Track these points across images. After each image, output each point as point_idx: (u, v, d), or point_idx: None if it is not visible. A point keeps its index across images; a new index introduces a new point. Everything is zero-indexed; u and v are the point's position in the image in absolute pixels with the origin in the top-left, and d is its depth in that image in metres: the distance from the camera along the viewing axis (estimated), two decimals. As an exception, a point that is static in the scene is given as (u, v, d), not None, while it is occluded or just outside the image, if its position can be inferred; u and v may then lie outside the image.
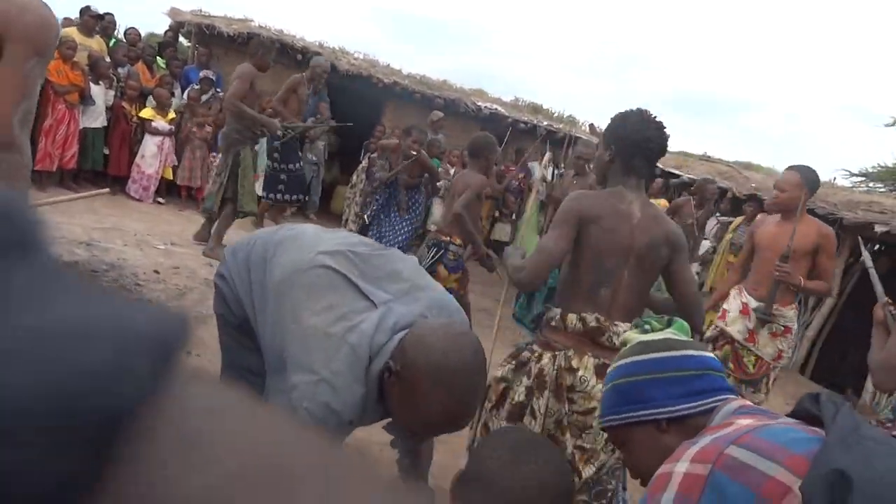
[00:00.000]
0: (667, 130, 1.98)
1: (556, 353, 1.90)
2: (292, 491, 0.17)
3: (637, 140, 1.93)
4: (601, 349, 1.85)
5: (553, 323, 1.93)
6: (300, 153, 6.19)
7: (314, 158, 7.46)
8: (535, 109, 9.88)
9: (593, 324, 1.86)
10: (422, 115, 7.53)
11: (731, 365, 3.26)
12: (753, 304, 3.23)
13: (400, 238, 5.04)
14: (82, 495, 0.15)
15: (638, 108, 2.00)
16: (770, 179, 7.60)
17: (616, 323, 1.87)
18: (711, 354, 1.13)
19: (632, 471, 1.17)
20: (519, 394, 1.93)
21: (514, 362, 2.01)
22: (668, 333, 1.15)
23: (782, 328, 3.22)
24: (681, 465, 0.88)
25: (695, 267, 6.00)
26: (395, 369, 1.26)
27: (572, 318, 1.88)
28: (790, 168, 3.23)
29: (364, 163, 6.78)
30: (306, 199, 6.87)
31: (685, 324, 1.20)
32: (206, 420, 0.18)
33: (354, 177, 6.87)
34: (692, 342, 1.13)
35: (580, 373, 1.84)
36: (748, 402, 1.06)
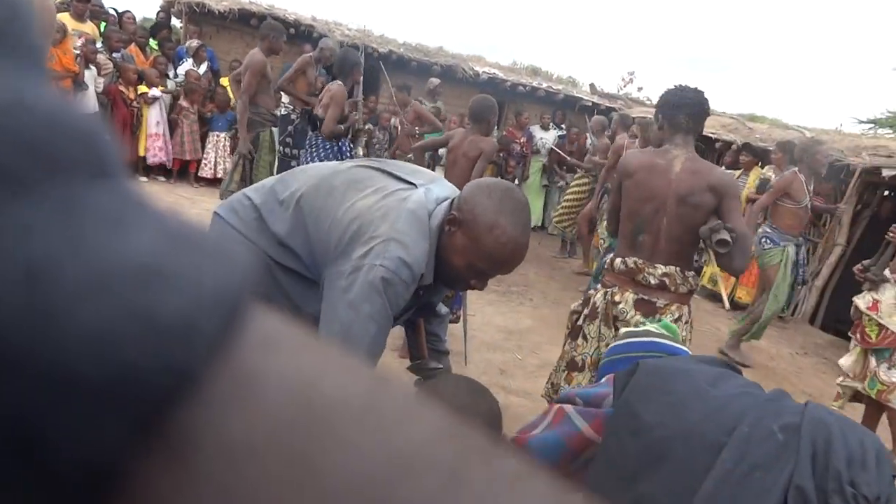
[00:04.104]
0: (704, 93, 2.30)
1: (607, 289, 2.34)
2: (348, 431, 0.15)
3: (676, 101, 2.28)
4: (639, 286, 2.27)
5: (606, 266, 2.40)
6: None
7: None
8: (535, 72, 9.75)
9: (632, 266, 2.27)
10: (419, 82, 7.45)
11: (857, 336, 3.31)
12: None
13: None
14: (118, 474, 0.13)
15: (676, 84, 2.37)
16: (775, 130, 7.50)
17: (655, 265, 2.24)
18: (684, 347, 1.34)
19: None
20: (579, 319, 2.42)
21: (582, 298, 2.52)
22: (649, 326, 1.44)
23: None
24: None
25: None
26: (457, 217, 1.41)
27: (618, 261, 2.32)
28: None
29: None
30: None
31: (671, 325, 1.48)
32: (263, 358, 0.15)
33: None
34: (669, 335, 1.36)
35: (621, 305, 2.27)
36: None
